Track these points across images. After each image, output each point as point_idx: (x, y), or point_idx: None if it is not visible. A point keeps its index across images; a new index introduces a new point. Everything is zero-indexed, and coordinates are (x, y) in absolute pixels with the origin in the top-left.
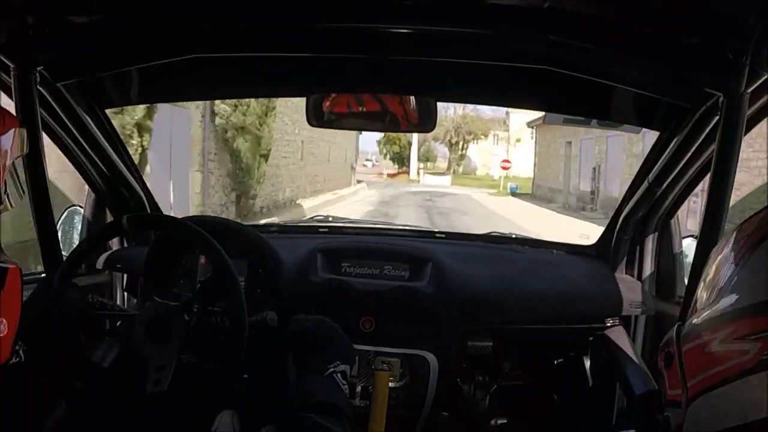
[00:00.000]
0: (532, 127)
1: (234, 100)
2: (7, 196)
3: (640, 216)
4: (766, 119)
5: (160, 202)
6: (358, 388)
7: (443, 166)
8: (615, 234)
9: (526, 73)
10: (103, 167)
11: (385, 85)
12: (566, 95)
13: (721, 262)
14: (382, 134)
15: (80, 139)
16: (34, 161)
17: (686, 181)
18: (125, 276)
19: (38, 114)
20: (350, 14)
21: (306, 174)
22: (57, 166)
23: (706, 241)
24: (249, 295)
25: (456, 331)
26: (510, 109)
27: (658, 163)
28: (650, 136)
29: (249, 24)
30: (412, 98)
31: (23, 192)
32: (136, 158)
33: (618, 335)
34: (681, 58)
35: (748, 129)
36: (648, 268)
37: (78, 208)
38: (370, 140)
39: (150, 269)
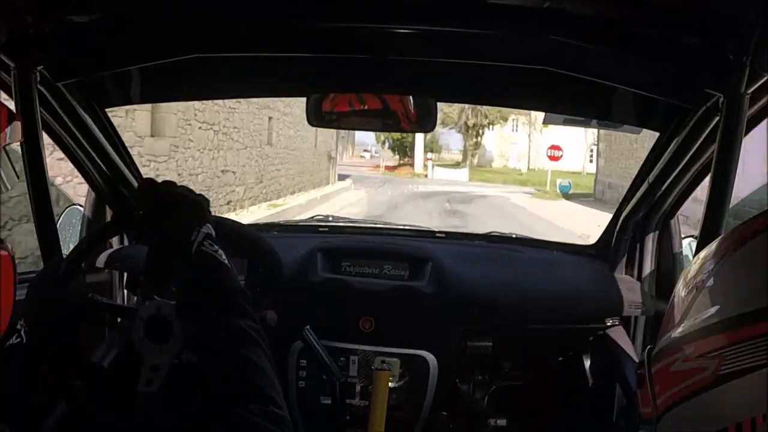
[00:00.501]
0: None
1: None
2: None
3: (641, 216)
4: (766, 120)
5: None
6: (358, 388)
7: (452, 157)
8: (615, 234)
9: (526, 73)
10: (103, 166)
11: (385, 84)
12: (566, 95)
13: (694, 275)
14: None
15: (80, 139)
16: (34, 161)
17: (686, 181)
18: (125, 275)
19: (38, 113)
20: (350, 14)
21: (257, 167)
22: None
23: (706, 241)
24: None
25: (456, 331)
26: None
27: (659, 164)
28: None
29: (249, 24)
30: (412, 98)
31: (18, 176)
32: None
33: (618, 335)
34: (681, 59)
35: (749, 130)
36: (648, 268)
37: (78, 207)
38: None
39: (150, 268)
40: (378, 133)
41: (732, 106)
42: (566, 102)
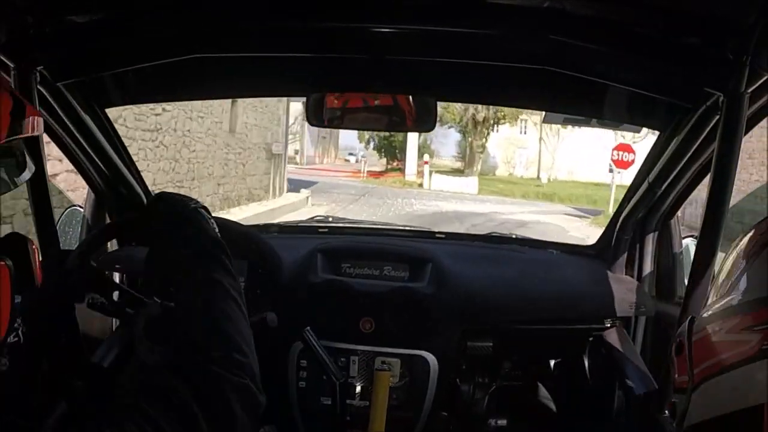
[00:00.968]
0: None
1: None
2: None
3: (640, 216)
4: (766, 119)
5: None
6: (358, 389)
7: (444, 163)
8: (615, 234)
9: (527, 72)
10: (102, 167)
11: (385, 84)
12: (566, 95)
13: (735, 258)
14: None
15: (80, 139)
16: (35, 160)
17: (686, 181)
18: (125, 276)
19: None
20: (350, 14)
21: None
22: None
23: (706, 241)
24: (248, 296)
25: (456, 332)
26: None
27: (658, 163)
28: None
29: (249, 24)
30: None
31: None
32: None
33: (617, 336)
34: (681, 58)
35: (748, 129)
36: (648, 268)
37: (78, 208)
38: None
39: (150, 269)
40: (361, 132)
41: (732, 106)
42: (566, 101)
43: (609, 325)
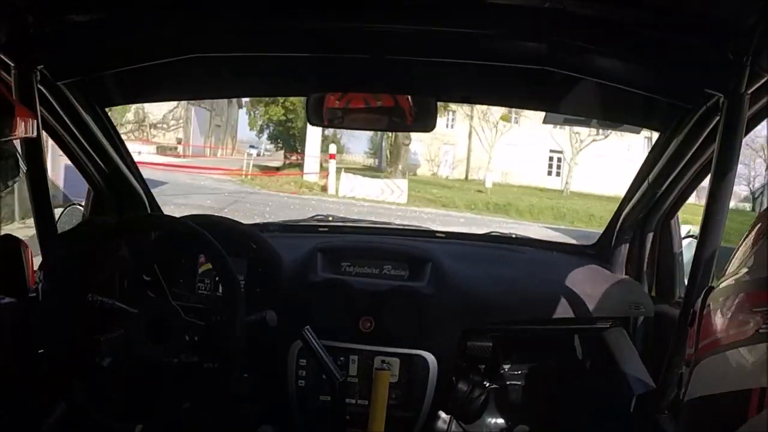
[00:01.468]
0: None
1: None
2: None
3: (640, 216)
4: (766, 120)
5: None
6: (358, 388)
7: (354, 159)
8: (615, 234)
9: (527, 73)
10: (103, 165)
11: (385, 84)
12: (567, 95)
13: (755, 234)
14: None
15: (80, 138)
16: (35, 160)
17: (686, 181)
18: (125, 276)
19: (39, 113)
20: (350, 14)
21: None
22: None
23: (706, 241)
24: (249, 295)
25: (455, 331)
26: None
27: (658, 164)
28: None
29: (249, 24)
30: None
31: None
32: None
33: (617, 336)
34: (681, 59)
35: (748, 130)
36: (648, 269)
37: (78, 207)
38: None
39: (150, 269)
40: (252, 117)
41: (732, 106)
42: (566, 101)
43: (609, 325)
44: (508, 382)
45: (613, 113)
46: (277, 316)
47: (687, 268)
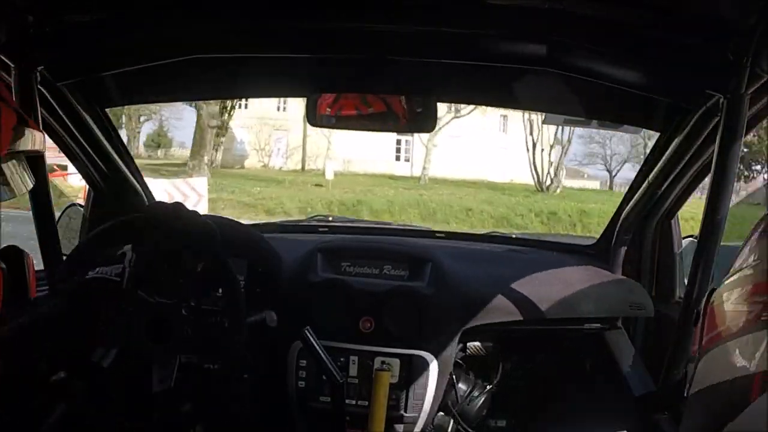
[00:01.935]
0: None
1: None
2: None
3: (641, 216)
4: (766, 121)
5: None
6: (358, 389)
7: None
8: (615, 235)
9: (527, 73)
10: (103, 166)
11: (385, 84)
12: (567, 96)
13: (758, 235)
14: None
15: (80, 139)
16: (35, 161)
17: (686, 181)
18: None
19: (39, 113)
20: (350, 14)
21: None
22: None
23: (706, 241)
24: (248, 295)
25: (455, 332)
26: None
27: (659, 164)
28: None
29: (248, 24)
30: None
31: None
32: None
33: (617, 336)
34: (681, 60)
35: (749, 131)
36: (647, 269)
37: (78, 207)
38: None
39: (150, 269)
40: None
41: (732, 107)
42: (566, 102)
43: (608, 325)
44: (507, 383)
45: (613, 114)
46: (277, 316)
47: (687, 269)
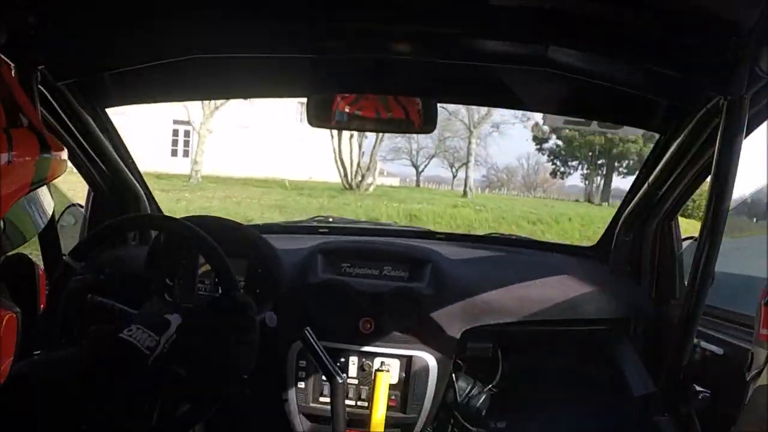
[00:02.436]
0: None
1: None
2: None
3: (641, 218)
4: (766, 122)
5: None
6: (358, 389)
7: None
8: (615, 236)
9: (527, 74)
10: (103, 166)
11: (386, 85)
12: (567, 97)
13: None
14: None
15: (81, 139)
16: None
17: (686, 183)
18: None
19: (39, 113)
20: (351, 15)
21: None
22: None
23: (706, 243)
24: (248, 295)
25: (455, 333)
26: None
27: (659, 166)
28: None
29: (249, 24)
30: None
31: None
32: None
33: (617, 337)
34: (681, 61)
35: (749, 132)
36: (648, 270)
37: (78, 207)
38: None
39: (149, 269)
40: None
41: (732, 108)
42: (567, 103)
43: (609, 326)
44: (507, 384)
45: (612, 115)
46: (277, 317)
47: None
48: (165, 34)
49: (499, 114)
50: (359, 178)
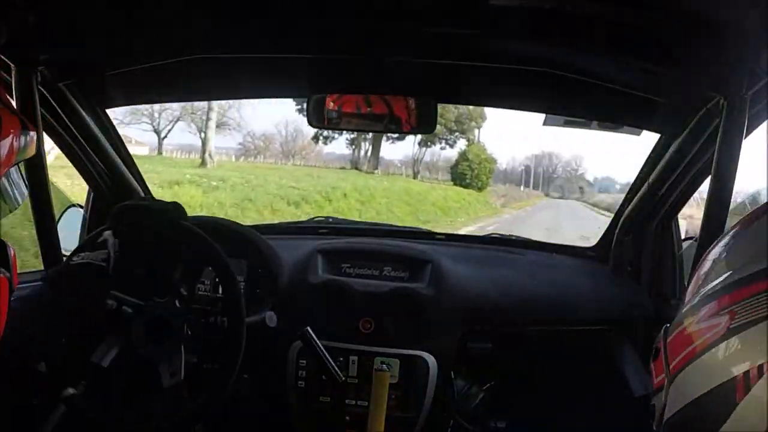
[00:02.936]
0: None
1: None
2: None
3: (641, 218)
4: (766, 122)
5: None
6: (358, 389)
7: None
8: (615, 236)
9: (527, 74)
10: (103, 167)
11: (386, 85)
12: (567, 97)
13: (712, 260)
14: None
15: (81, 139)
16: (35, 161)
17: (686, 183)
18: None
19: (39, 113)
20: (351, 15)
21: None
22: None
23: (706, 243)
24: (248, 295)
25: (455, 333)
26: None
27: (659, 165)
28: None
29: (249, 25)
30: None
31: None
32: None
33: (617, 338)
34: (682, 61)
35: (749, 132)
36: (648, 270)
37: (78, 208)
38: None
39: (149, 269)
40: None
41: (732, 108)
42: (567, 103)
43: (609, 327)
44: (507, 384)
45: (613, 115)
46: (277, 317)
47: (687, 271)
48: (165, 34)
49: None
50: None
